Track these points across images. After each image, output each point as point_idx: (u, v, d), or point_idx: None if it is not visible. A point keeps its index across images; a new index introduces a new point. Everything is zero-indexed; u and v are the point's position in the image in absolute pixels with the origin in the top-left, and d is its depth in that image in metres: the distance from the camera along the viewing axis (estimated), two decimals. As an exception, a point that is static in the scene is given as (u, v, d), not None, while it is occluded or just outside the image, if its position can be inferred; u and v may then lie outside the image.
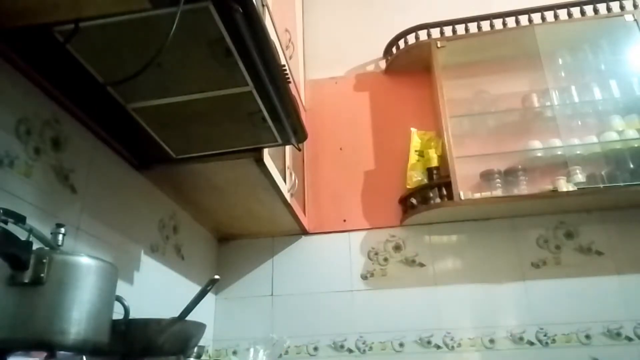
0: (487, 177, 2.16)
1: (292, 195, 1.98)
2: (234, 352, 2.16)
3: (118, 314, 1.08)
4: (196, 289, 2.05)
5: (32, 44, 1.03)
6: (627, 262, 2.03)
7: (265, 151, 1.57)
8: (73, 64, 1.05)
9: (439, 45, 2.32)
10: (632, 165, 2.02)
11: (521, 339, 1.98)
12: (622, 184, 1.96)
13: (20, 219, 0.85)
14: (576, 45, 2.29)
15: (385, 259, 2.23)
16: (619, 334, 1.93)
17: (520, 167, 2.15)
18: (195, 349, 1.30)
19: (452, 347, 2.03)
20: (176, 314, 1.20)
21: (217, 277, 1.16)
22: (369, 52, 2.66)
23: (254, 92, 1.18)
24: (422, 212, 2.13)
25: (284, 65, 1.28)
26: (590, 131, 2.15)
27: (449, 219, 2.20)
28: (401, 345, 2.06)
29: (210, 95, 1.19)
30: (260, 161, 1.56)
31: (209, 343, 2.13)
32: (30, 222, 0.87)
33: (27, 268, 0.80)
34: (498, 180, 2.14)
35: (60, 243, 0.91)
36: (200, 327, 1.22)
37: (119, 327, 1.04)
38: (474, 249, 2.17)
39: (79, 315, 0.84)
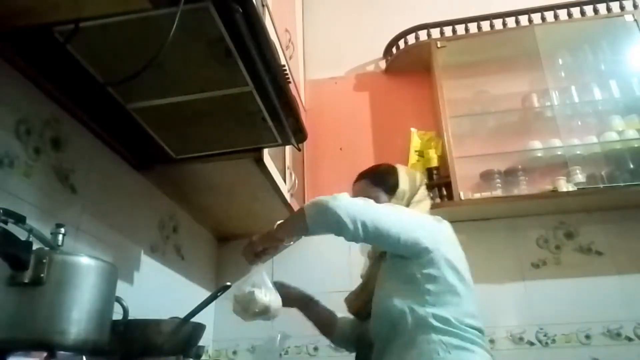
0: (487, 177, 2.16)
1: (292, 195, 1.98)
2: (234, 352, 2.16)
3: (118, 314, 1.08)
4: (196, 289, 2.06)
5: (32, 44, 1.03)
6: (627, 262, 2.03)
7: (265, 151, 1.57)
8: (73, 64, 1.05)
9: (439, 45, 2.32)
10: (632, 165, 2.02)
11: (521, 339, 1.98)
12: (622, 184, 1.96)
13: (20, 219, 0.85)
14: (576, 45, 2.29)
15: (385, 259, 2.22)
16: (619, 334, 1.93)
17: (520, 167, 2.15)
18: (195, 349, 1.30)
19: (452, 347, 2.02)
20: (176, 314, 1.20)
21: (228, 283, 1.23)
22: (369, 52, 2.66)
23: (254, 92, 1.18)
24: (422, 212, 2.13)
25: (284, 65, 1.28)
26: (590, 131, 2.15)
27: (449, 219, 2.17)
28: (401, 345, 2.06)
29: (210, 95, 1.19)
30: (260, 161, 1.56)
31: (209, 343, 2.13)
32: (30, 222, 0.87)
33: (27, 268, 0.80)
34: (498, 180, 2.14)
35: (60, 243, 0.91)
36: (199, 328, 1.22)
37: (118, 327, 1.04)
38: (474, 249, 2.14)
39: (78, 315, 0.84)
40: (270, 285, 1.25)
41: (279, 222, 1.22)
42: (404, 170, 1.37)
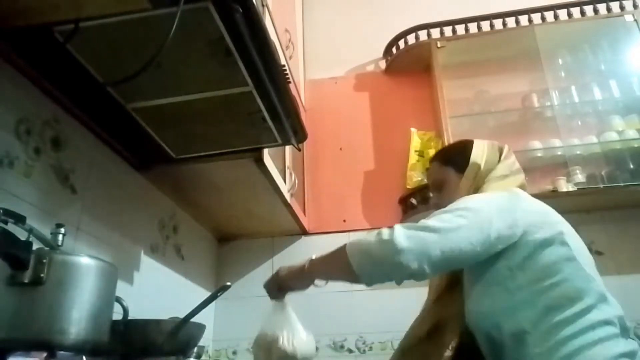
0: (487, 177, 2.16)
1: (292, 195, 1.98)
2: (234, 352, 2.16)
3: (118, 314, 1.08)
4: (196, 289, 2.06)
5: (32, 44, 1.03)
6: (627, 262, 2.03)
7: (265, 151, 1.57)
8: (73, 64, 1.05)
9: (439, 45, 2.32)
10: (632, 165, 2.02)
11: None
12: (622, 184, 1.96)
13: (20, 219, 0.85)
14: (576, 45, 2.29)
15: (385, 259, 2.22)
16: (619, 334, 1.92)
17: (520, 167, 2.14)
18: (195, 349, 1.30)
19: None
20: (176, 314, 1.20)
21: (228, 284, 1.16)
22: (369, 52, 2.66)
23: (254, 92, 1.18)
24: (422, 212, 2.12)
25: (284, 65, 1.28)
26: (590, 131, 2.15)
27: (449, 219, 2.19)
28: (401, 345, 2.06)
29: (210, 95, 1.19)
30: (260, 161, 1.56)
31: (209, 343, 2.13)
32: (30, 222, 0.88)
33: (27, 268, 0.80)
34: (498, 180, 2.13)
35: (60, 243, 0.91)
36: (200, 328, 1.22)
37: (118, 327, 1.04)
38: (474, 249, 2.16)
39: (78, 315, 0.84)
40: (298, 325, 1.12)
41: (314, 258, 1.11)
42: (481, 143, 1.19)
